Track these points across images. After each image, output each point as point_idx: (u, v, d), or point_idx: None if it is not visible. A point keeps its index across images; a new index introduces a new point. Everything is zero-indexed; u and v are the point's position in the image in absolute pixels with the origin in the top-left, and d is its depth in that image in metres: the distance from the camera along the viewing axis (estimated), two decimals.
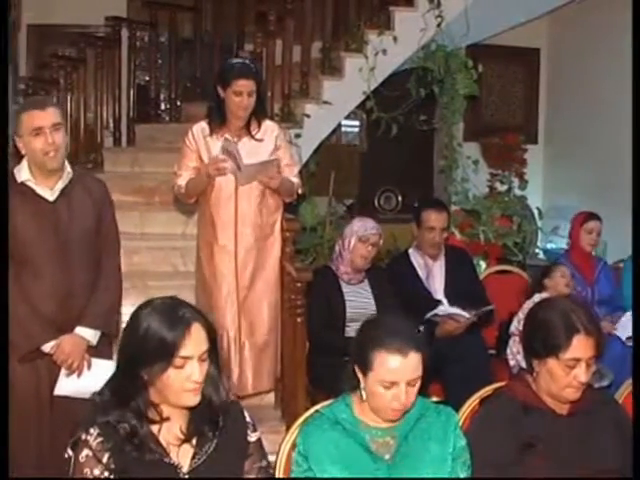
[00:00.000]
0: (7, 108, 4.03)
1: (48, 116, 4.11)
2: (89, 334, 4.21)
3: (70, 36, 8.08)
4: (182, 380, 2.69)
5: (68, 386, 4.15)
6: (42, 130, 4.07)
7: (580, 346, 3.16)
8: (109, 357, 4.36)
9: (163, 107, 8.64)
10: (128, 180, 6.91)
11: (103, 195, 4.42)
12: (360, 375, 3.06)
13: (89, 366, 4.20)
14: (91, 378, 4.13)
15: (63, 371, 4.15)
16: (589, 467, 3.14)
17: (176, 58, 8.51)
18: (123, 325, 4.82)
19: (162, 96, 8.65)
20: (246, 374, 5.11)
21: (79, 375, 4.17)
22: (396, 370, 2.96)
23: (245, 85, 5.00)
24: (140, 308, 2.79)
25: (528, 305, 5.51)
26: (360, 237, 5.63)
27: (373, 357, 2.99)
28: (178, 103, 8.46)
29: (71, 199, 4.21)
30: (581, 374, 3.16)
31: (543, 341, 3.25)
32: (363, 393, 3.06)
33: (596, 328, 3.24)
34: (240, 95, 4.99)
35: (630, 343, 5.77)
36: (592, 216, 6.63)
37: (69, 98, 7.06)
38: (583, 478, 3.14)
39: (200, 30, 8.88)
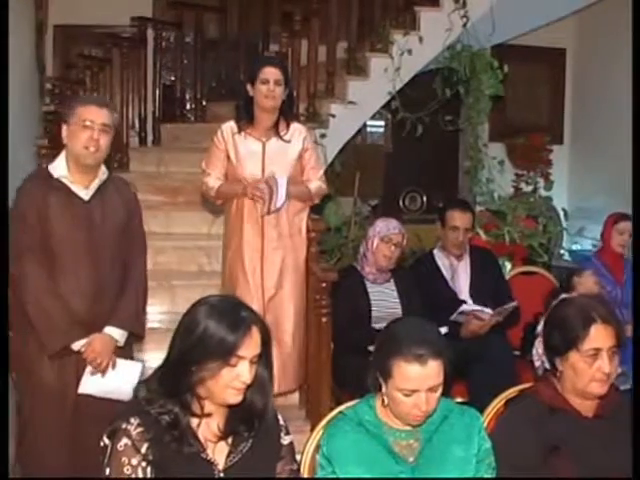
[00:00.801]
0: (7, 108, 4.06)
1: (102, 115, 4.17)
2: (118, 334, 4.24)
3: (96, 36, 8.12)
4: (231, 378, 2.69)
5: (92, 385, 4.18)
6: (92, 124, 4.12)
7: (599, 335, 3.16)
8: (129, 357, 4.40)
9: (188, 107, 8.67)
10: (154, 180, 6.93)
11: (132, 198, 4.49)
12: (381, 381, 3.06)
13: (114, 366, 4.22)
14: (115, 378, 4.16)
15: (88, 369, 4.17)
16: (613, 470, 3.12)
17: (201, 58, 8.54)
18: (152, 324, 4.88)
19: (187, 96, 8.68)
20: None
21: (103, 374, 4.19)
22: (415, 379, 2.95)
23: (272, 72, 5.03)
24: (196, 306, 2.78)
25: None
26: (382, 237, 5.63)
27: (391, 365, 2.98)
28: (203, 103, 8.48)
29: (104, 199, 4.25)
30: (604, 365, 3.15)
31: (562, 336, 3.25)
32: (385, 398, 3.06)
33: (614, 318, 3.23)
34: (267, 83, 5.02)
35: None
36: (624, 217, 6.59)
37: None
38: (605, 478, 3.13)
39: (225, 30, 8.92)
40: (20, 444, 4.32)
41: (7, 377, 3.88)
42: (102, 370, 4.17)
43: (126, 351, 4.38)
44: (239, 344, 2.67)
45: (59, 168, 4.21)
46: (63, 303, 4.11)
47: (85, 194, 4.20)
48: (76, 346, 4.15)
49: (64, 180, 4.18)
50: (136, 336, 4.46)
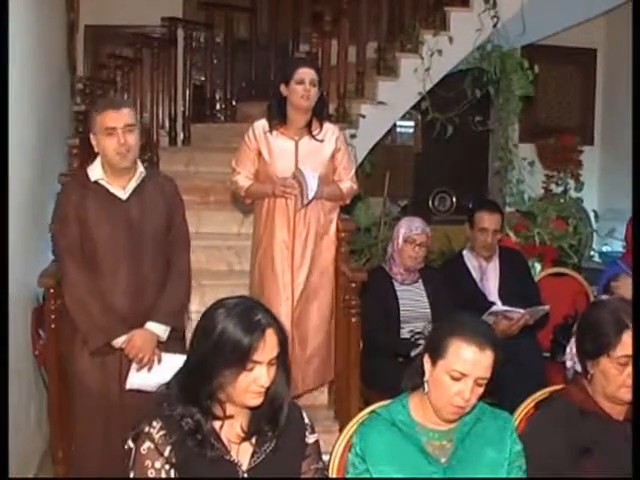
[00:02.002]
0: (7, 108, 4.09)
1: (121, 117, 4.20)
2: (160, 329, 4.28)
3: (127, 37, 8.16)
4: (249, 382, 2.69)
5: (139, 380, 4.21)
6: (115, 130, 4.16)
7: (631, 342, 3.13)
8: (181, 352, 4.41)
9: (218, 107, 8.70)
10: (183, 179, 6.89)
11: (174, 194, 4.52)
12: (428, 365, 3.04)
13: (159, 360, 4.26)
14: (161, 372, 4.17)
15: (134, 365, 4.22)
16: None
17: (231, 58, 8.57)
18: (192, 322, 4.90)
19: (217, 96, 8.70)
20: (295, 373, 5.10)
21: (149, 370, 4.23)
22: (470, 362, 2.94)
23: (307, 73, 5.05)
24: (214, 308, 2.78)
25: None
26: (406, 238, 5.63)
27: (449, 344, 2.97)
28: (233, 103, 8.53)
29: (143, 198, 4.30)
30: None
31: (594, 341, 3.24)
32: (426, 386, 3.05)
33: None
34: (302, 83, 5.03)
35: None
36: None
37: (125, 97, 7.11)
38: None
39: (255, 31, 8.93)
40: (66, 440, 4.37)
41: (7, 377, 3.90)
42: (145, 365, 4.21)
43: (176, 346, 4.40)
44: (254, 349, 2.66)
45: (96, 171, 4.27)
46: (104, 301, 4.18)
47: (123, 194, 4.25)
48: (117, 343, 4.20)
49: (102, 182, 4.24)
50: (178, 331, 4.48)
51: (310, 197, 5.06)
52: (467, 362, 2.94)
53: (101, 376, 4.24)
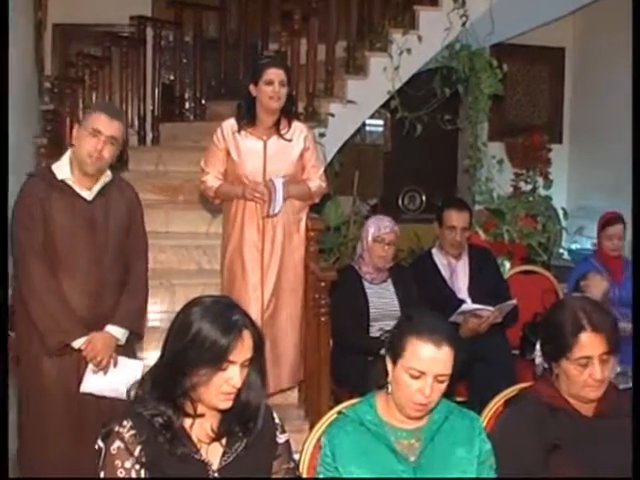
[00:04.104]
0: (7, 108, 4.08)
1: (111, 127, 4.21)
2: (119, 333, 4.26)
3: (95, 35, 8.14)
4: (221, 382, 2.69)
5: (94, 383, 4.19)
6: (99, 135, 4.16)
7: (588, 343, 3.15)
8: (133, 356, 4.42)
9: (188, 106, 8.68)
10: (153, 179, 6.94)
11: (134, 200, 4.52)
12: (389, 365, 3.06)
13: (115, 364, 4.24)
14: (117, 376, 4.17)
15: (90, 368, 4.19)
16: (613, 469, 3.12)
17: (201, 57, 8.56)
18: (152, 323, 4.89)
19: (187, 95, 8.69)
20: (268, 373, 5.09)
21: (105, 373, 4.21)
22: (426, 360, 2.95)
23: (276, 74, 5.04)
24: (190, 306, 2.77)
25: None
26: (375, 238, 5.63)
27: (406, 343, 2.99)
28: (203, 102, 8.50)
29: (107, 200, 4.29)
30: (596, 372, 3.14)
31: (553, 343, 3.27)
32: (389, 386, 3.06)
33: (605, 323, 3.21)
34: (272, 84, 5.03)
35: None
36: (612, 221, 6.54)
37: (94, 97, 7.09)
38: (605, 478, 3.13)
39: (225, 29, 8.91)
40: (21, 443, 4.33)
41: (7, 377, 3.88)
42: (103, 368, 4.19)
43: (128, 350, 4.40)
44: (230, 349, 2.66)
45: (63, 170, 4.24)
46: (65, 301, 4.14)
47: (88, 195, 4.23)
48: (76, 344, 4.16)
49: (68, 181, 4.22)
50: (137, 335, 4.47)
51: (275, 211, 5.07)
52: (424, 360, 2.95)
53: (59, 376, 4.20)
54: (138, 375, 4.09)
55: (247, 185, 5.09)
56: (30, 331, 4.18)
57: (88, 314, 4.19)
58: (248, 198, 5.08)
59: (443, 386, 3.00)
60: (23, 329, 4.22)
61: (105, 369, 4.20)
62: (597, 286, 5.81)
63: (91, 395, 4.17)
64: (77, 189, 4.21)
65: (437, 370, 2.95)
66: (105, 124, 4.18)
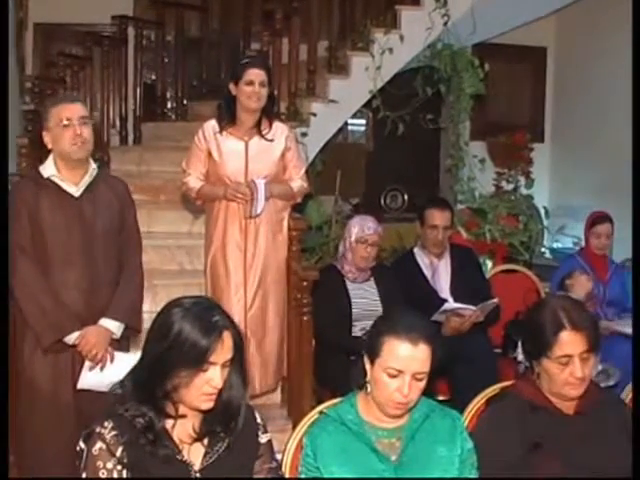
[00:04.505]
0: (7, 108, 4.08)
1: (76, 109, 4.23)
2: (114, 326, 4.25)
3: (77, 35, 8.11)
4: (202, 383, 2.69)
5: (91, 380, 4.17)
6: (71, 122, 4.17)
7: (568, 342, 3.16)
8: (127, 350, 4.41)
9: (170, 106, 8.64)
10: (134, 179, 6.90)
11: (126, 195, 4.52)
12: (368, 365, 3.07)
13: (112, 359, 4.23)
14: (114, 371, 4.13)
15: (86, 364, 4.18)
16: (595, 467, 3.14)
17: (183, 57, 8.54)
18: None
19: (169, 95, 8.65)
20: (252, 373, 5.09)
21: (102, 368, 4.20)
22: (404, 358, 2.96)
23: (256, 74, 5.03)
24: (170, 307, 2.77)
25: None
26: (358, 239, 5.63)
27: (383, 342, 3.00)
28: (185, 102, 8.48)
29: (95, 195, 4.29)
30: (576, 370, 3.15)
31: (534, 342, 3.28)
32: (368, 385, 3.07)
33: (585, 322, 3.22)
34: (252, 84, 5.02)
35: None
36: (600, 219, 6.57)
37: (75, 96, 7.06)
38: (589, 479, 3.14)
39: (207, 29, 8.90)
40: (16, 443, 4.32)
41: (7, 377, 3.87)
42: (98, 362, 4.18)
43: (124, 345, 4.40)
44: (211, 350, 2.66)
45: (49, 168, 4.25)
46: (57, 298, 4.14)
47: (75, 191, 4.23)
48: (70, 339, 4.15)
49: (54, 179, 4.22)
50: (133, 330, 4.45)
51: (258, 211, 5.06)
52: (401, 358, 2.96)
53: (53, 375, 4.20)
54: None
55: (229, 186, 5.08)
56: (24, 329, 4.19)
57: (82, 310, 4.19)
58: (230, 199, 5.07)
59: (422, 384, 3.01)
60: (17, 328, 4.22)
61: (102, 364, 4.19)
62: (582, 286, 5.83)
63: (88, 393, 4.15)
64: (64, 186, 4.21)
65: (415, 368, 2.96)
66: (70, 110, 4.20)
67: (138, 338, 4.61)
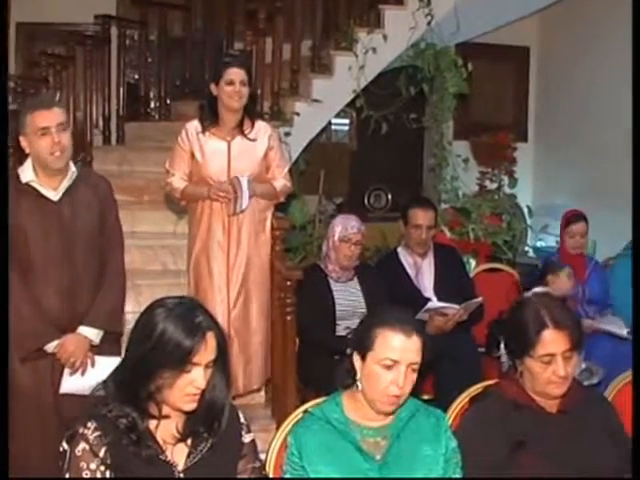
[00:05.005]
0: (7, 107, 4.05)
1: (54, 116, 4.16)
2: (92, 333, 4.23)
3: (59, 34, 8.07)
4: (185, 384, 2.69)
5: (72, 385, 4.15)
6: (48, 130, 4.11)
7: (551, 340, 3.18)
8: (117, 354, 4.36)
9: (153, 105, 8.62)
10: (117, 179, 6.86)
11: (107, 194, 4.47)
12: (358, 362, 3.07)
13: (93, 364, 4.21)
14: (95, 376, 4.11)
15: (67, 370, 4.16)
16: (578, 465, 3.14)
17: (166, 56, 8.51)
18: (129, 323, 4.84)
19: (152, 94, 8.63)
20: (236, 373, 5.09)
21: (83, 373, 4.18)
22: (398, 349, 2.98)
23: (236, 73, 5.03)
24: (153, 308, 2.76)
25: None
26: (342, 238, 5.63)
27: (375, 335, 3.01)
28: (168, 101, 8.46)
29: (75, 199, 4.24)
30: (559, 368, 3.17)
31: (516, 341, 3.30)
32: (359, 383, 3.07)
33: (568, 320, 3.24)
34: (232, 84, 5.01)
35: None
36: (574, 218, 6.58)
37: (58, 96, 7.02)
38: (574, 478, 3.14)
39: (190, 28, 8.87)
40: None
41: (7, 377, 3.85)
42: (78, 370, 4.16)
43: (112, 348, 4.36)
44: (194, 351, 2.66)
45: (27, 173, 4.20)
46: (36, 305, 4.11)
47: (54, 195, 4.19)
48: (49, 348, 4.14)
49: (33, 184, 4.18)
50: (115, 333, 4.43)
51: (243, 207, 5.06)
52: (396, 349, 2.98)
53: (33, 381, 4.17)
54: None
55: (212, 185, 5.08)
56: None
57: (64, 315, 4.17)
58: (213, 198, 5.06)
59: (414, 377, 3.02)
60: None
61: (82, 370, 4.18)
62: (562, 284, 5.82)
63: (69, 399, 4.11)
64: (43, 191, 4.17)
65: (410, 358, 2.98)
66: (48, 117, 4.14)
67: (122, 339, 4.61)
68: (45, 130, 4.10)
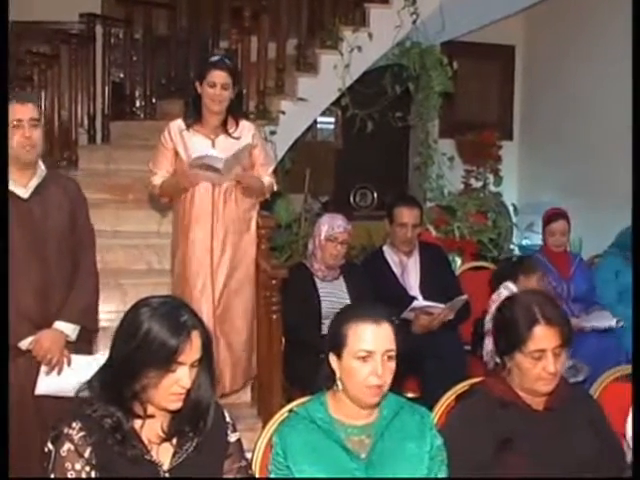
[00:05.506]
0: (7, 106, 4.04)
1: (28, 110, 4.15)
2: (68, 329, 4.20)
3: (44, 33, 8.04)
4: (170, 383, 2.69)
5: (48, 385, 4.11)
6: (21, 123, 4.10)
7: (542, 336, 3.19)
8: (90, 354, 4.36)
9: (138, 104, 8.61)
10: (103, 178, 6.89)
11: (77, 194, 4.45)
12: (335, 363, 3.08)
13: (69, 363, 4.18)
14: (71, 375, 4.09)
15: (43, 369, 4.12)
16: (565, 463, 3.15)
17: (151, 55, 8.50)
18: (102, 323, 4.84)
19: (137, 93, 8.62)
20: (222, 373, 5.08)
21: (59, 372, 4.15)
22: (371, 338, 2.99)
23: (219, 76, 5.02)
24: (138, 307, 2.76)
25: (495, 300, 5.55)
26: (327, 237, 5.63)
27: (347, 331, 3.02)
28: (153, 100, 8.45)
29: (45, 197, 4.22)
30: (549, 364, 3.18)
31: (507, 337, 3.30)
32: (339, 383, 3.07)
33: (559, 317, 3.27)
34: (214, 87, 5.02)
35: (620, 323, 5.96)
36: (554, 217, 6.60)
37: (43, 95, 7.01)
38: (562, 478, 3.15)
39: (175, 27, 8.86)
40: None
41: (7, 377, 3.83)
42: (54, 367, 4.13)
43: (83, 347, 4.34)
44: (179, 351, 2.66)
45: None
46: (11, 302, 4.07)
47: (24, 192, 4.17)
48: (24, 344, 4.10)
49: None
50: (89, 331, 4.41)
51: (222, 164, 4.98)
52: (369, 339, 2.99)
53: (14, 380, 4.14)
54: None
55: (179, 175, 5.08)
56: None
57: (37, 313, 4.14)
58: (187, 187, 5.06)
59: (393, 365, 3.02)
60: None
61: (58, 368, 4.15)
62: (532, 285, 5.79)
63: (48, 397, 4.10)
64: (12, 188, 4.14)
65: (384, 346, 2.99)
66: (21, 110, 4.13)
67: (99, 338, 4.60)
68: (19, 123, 4.10)
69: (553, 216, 6.61)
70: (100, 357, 4.22)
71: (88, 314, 4.36)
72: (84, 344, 4.36)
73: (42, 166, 4.28)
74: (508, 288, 5.61)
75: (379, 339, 2.99)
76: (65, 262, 4.26)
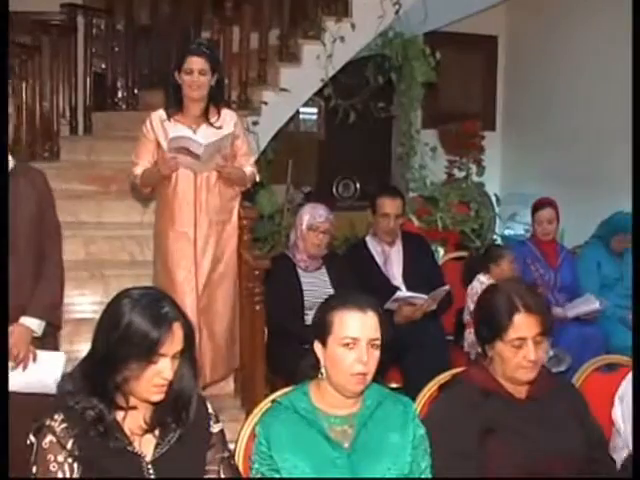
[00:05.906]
0: (7, 105, 4.02)
1: None
2: (34, 324, 4.15)
3: (25, 23, 7.99)
4: (152, 375, 2.69)
5: (14, 381, 4.05)
6: None
7: (522, 324, 3.21)
8: (55, 349, 4.34)
9: (120, 95, 8.56)
10: (85, 169, 6.86)
11: (44, 187, 4.37)
12: (320, 351, 3.08)
13: (35, 358, 4.14)
14: (37, 371, 4.06)
15: (9, 365, 4.09)
16: (547, 451, 3.17)
17: (133, 45, 8.48)
18: (85, 315, 4.81)
19: (119, 84, 8.57)
20: (204, 363, 5.08)
21: (24, 368, 4.10)
22: (357, 325, 3.00)
23: (195, 62, 5.00)
24: (119, 299, 2.76)
25: (470, 294, 5.58)
26: (309, 226, 5.64)
27: (333, 318, 3.03)
28: (135, 91, 8.42)
29: (13, 191, 4.14)
30: (529, 352, 3.20)
31: (488, 325, 3.32)
32: (323, 371, 3.08)
33: (539, 305, 3.28)
34: (191, 73, 4.99)
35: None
36: (540, 205, 6.64)
37: (24, 86, 6.97)
38: (561, 478, 3.18)
39: (157, 17, 8.83)
40: None
41: (7, 377, 3.81)
42: (20, 362, 4.09)
43: (50, 343, 4.32)
44: (161, 342, 2.66)
45: None
46: None
47: None
48: None
49: None
50: (53, 327, 4.37)
51: (201, 152, 4.93)
52: (354, 326, 3.01)
53: None
54: (60, 368, 4.02)
55: (158, 161, 5.07)
56: None
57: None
58: (165, 173, 5.04)
59: (377, 354, 3.03)
60: None
61: (24, 364, 4.10)
62: (503, 274, 5.80)
63: (16, 393, 4.07)
64: None
65: (369, 334, 3.01)
66: None
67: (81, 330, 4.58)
68: None
69: (539, 205, 6.65)
70: (62, 355, 4.24)
71: (54, 309, 4.31)
72: (48, 339, 4.30)
73: (11, 159, 4.25)
74: (480, 281, 5.67)
75: (365, 327, 3.00)
76: (31, 257, 4.20)
